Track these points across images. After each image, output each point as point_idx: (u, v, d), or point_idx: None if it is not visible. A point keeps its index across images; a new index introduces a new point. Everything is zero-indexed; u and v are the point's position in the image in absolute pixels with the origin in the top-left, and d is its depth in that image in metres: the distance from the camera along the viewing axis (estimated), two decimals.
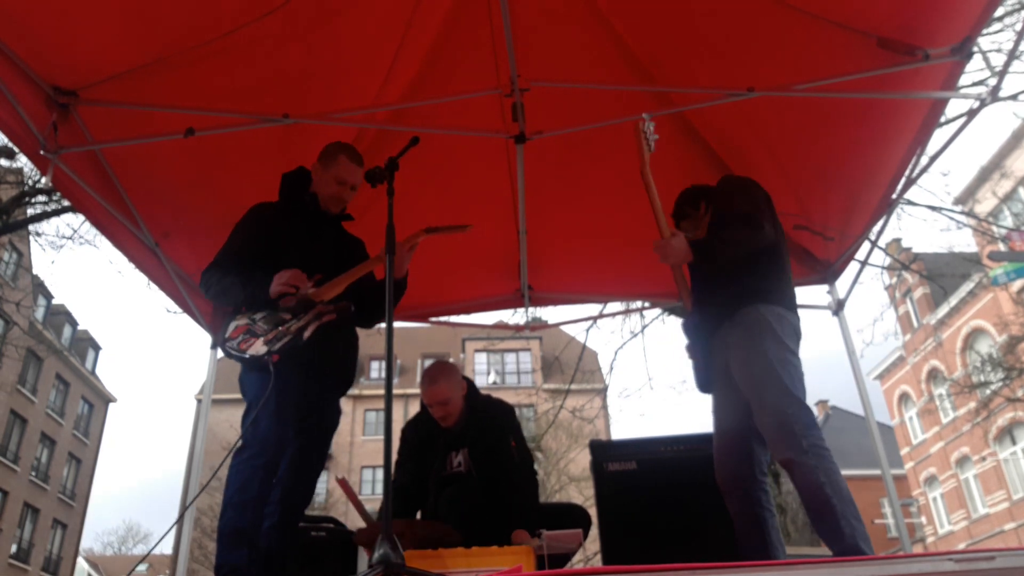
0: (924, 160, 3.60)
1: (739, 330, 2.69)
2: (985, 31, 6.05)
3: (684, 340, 3.03)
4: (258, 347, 2.56)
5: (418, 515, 3.45)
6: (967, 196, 21.28)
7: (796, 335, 2.71)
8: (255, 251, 2.77)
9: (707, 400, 3.02)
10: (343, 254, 2.97)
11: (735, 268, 2.73)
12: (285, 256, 2.74)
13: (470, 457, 3.38)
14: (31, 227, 13.29)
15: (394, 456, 3.24)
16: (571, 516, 3.31)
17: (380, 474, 20.95)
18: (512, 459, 3.34)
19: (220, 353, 4.31)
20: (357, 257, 3.05)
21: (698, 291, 2.94)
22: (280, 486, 2.64)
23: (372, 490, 29.89)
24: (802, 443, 2.43)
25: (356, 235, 3.16)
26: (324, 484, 29.67)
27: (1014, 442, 22.41)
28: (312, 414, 2.74)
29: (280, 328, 2.59)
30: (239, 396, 2.63)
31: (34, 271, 25.97)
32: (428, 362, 33.04)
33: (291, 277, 2.60)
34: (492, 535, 2.89)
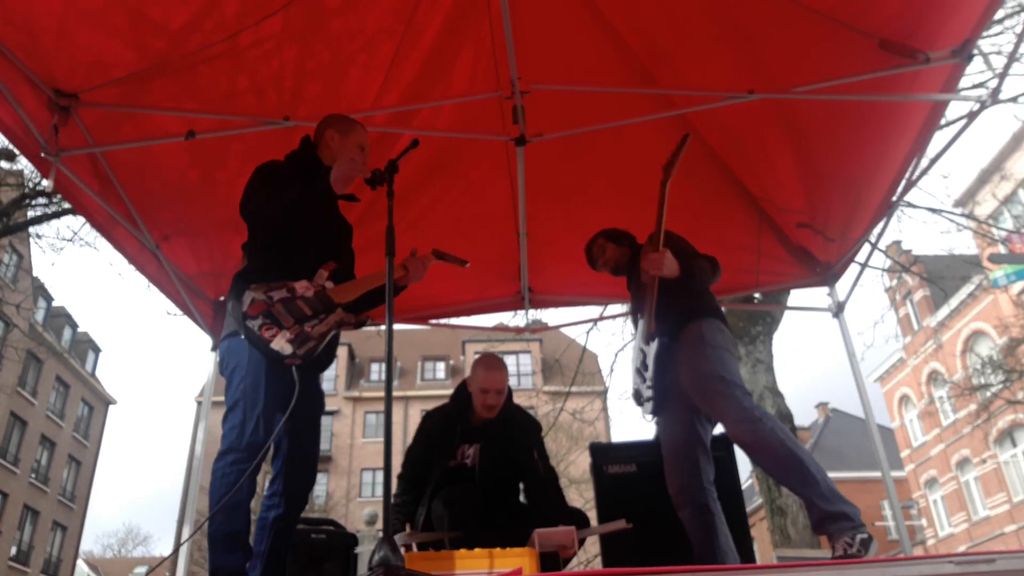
0: (924, 162, 3.60)
1: (682, 345, 2.95)
2: (985, 33, 6.06)
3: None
4: (282, 343, 2.45)
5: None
6: (967, 198, 21.26)
7: (731, 340, 3.03)
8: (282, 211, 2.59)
9: None
10: (343, 236, 2.87)
11: (676, 292, 3.00)
12: (307, 230, 2.62)
13: (480, 453, 3.40)
14: (31, 229, 13.29)
15: (397, 451, 3.27)
16: (567, 520, 3.30)
17: (380, 476, 20.85)
18: (535, 469, 3.40)
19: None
20: (350, 243, 2.95)
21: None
22: (282, 478, 2.59)
23: (372, 492, 29.84)
24: (755, 413, 2.70)
25: (355, 237, 3.14)
26: (324, 487, 29.65)
27: (1014, 444, 22.38)
28: (302, 402, 2.60)
29: (306, 328, 2.49)
30: None
31: (34, 273, 25.99)
32: (428, 364, 33.17)
33: (352, 166, 2.57)
34: (489, 536, 2.90)
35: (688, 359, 2.91)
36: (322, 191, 2.63)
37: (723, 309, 3.19)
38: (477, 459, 3.40)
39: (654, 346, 3.05)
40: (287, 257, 2.58)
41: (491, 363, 3.46)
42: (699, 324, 2.94)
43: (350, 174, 2.66)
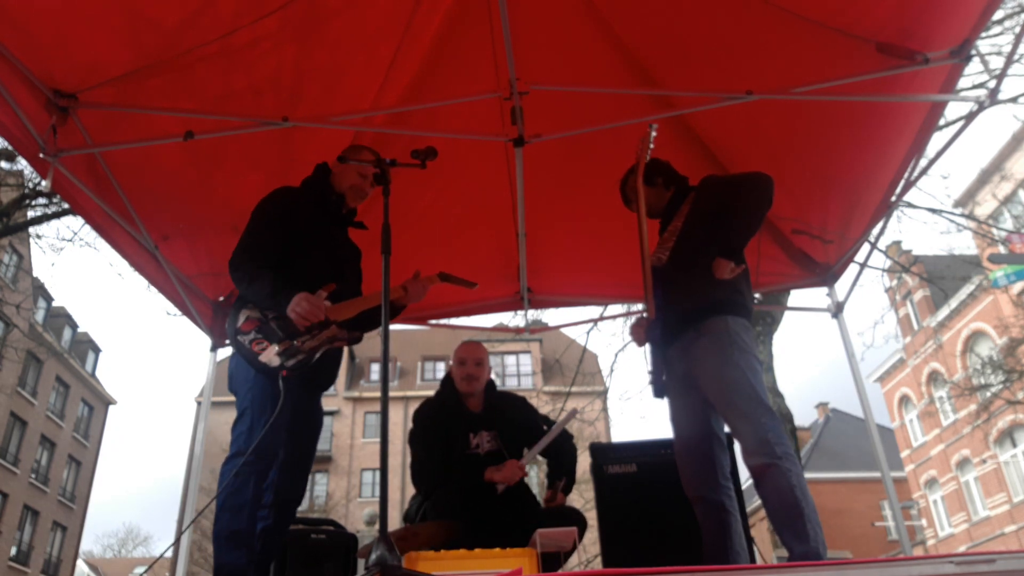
0: (924, 162, 3.60)
1: (706, 340, 2.76)
2: (984, 34, 6.06)
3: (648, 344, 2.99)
4: (271, 356, 2.54)
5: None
6: (967, 198, 21.24)
7: (754, 343, 2.85)
8: (279, 241, 2.71)
9: None
10: (351, 260, 3.00)
11: (706, 280, 2.80)
12: (310, 253, 2.74)
13: (500, 438, 3.45)
14: (31, 229, 13.28)
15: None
16: (567, 519, 3.30)
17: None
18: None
19: (219, 355, 4.31)
20: (357, 265, 3.06)
21: (662, 299, 2.94)
22: (273, 490, 2.65)
23: (372, 492, 29.81)
24: (776, 450, 2.55)
25: (357, 235, 3.16)
26: (324, 487, 29.64)
27: (1014, 444, 22.37)
28: (301, 418, 2.73)
29: (295, 343, 2.56)
30: None
31: (34, 273, 25.98)
32: (428, 364, 33.14)
33: (309, 310, 2.50)
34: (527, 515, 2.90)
35: (712, 361, 2.72)
36: (328, 223, 2.82)
37: None
38: (497, 444, 3.44)
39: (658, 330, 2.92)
40: (286, 279, 2.63)
41: (469, 341, 3.63)
42: (726, 320, 2.74)
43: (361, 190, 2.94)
